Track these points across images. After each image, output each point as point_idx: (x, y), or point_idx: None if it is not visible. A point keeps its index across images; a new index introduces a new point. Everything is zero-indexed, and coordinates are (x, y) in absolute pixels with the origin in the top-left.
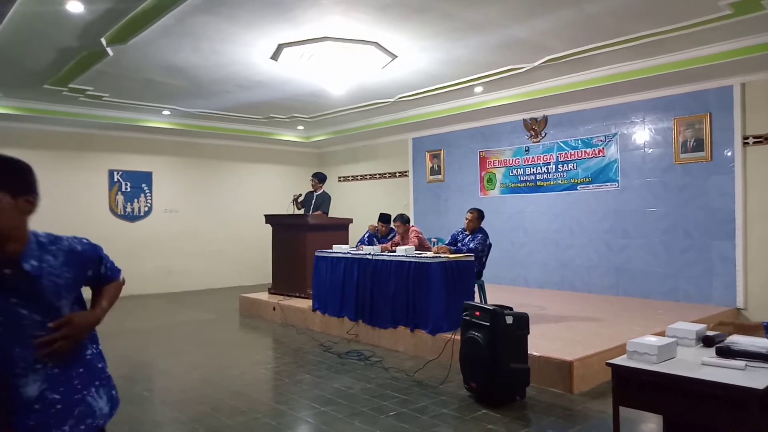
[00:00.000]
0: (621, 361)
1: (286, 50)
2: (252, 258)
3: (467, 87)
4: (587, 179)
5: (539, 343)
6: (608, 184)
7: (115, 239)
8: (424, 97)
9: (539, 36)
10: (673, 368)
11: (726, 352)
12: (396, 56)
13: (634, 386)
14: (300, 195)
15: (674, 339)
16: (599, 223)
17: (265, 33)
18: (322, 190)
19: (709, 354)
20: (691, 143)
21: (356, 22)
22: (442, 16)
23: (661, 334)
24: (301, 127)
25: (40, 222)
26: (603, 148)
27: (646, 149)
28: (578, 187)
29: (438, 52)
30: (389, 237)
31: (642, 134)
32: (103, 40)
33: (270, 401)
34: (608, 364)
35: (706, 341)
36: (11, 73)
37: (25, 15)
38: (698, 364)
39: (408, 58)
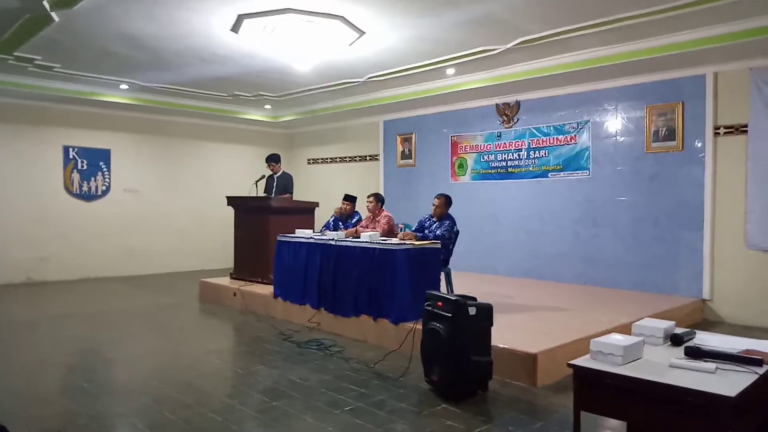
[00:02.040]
0: (584, 362)
1: (246, 22)
2: (216, 241)
3: (439, 69)
4: (558, 167)
5: (504, 335)
6: (579, 172)
7: (70, 219)
8: (395, 78)
9: (513, 15)
10: (640, 371)
11: (695, 353)
12: (364, 32)
13: (597, 389)
14: (262, 177)
15: (641, 338)
16: (570, 211)
17: (224, 1)
18: (281, 171)
19: (678, 354)
20: (663, 132)
21: None
22: None
23: (628, 328)
24: (268, 107)
25: None
26: (575, 136)
27: (617, 137)
28: (549, 175)
29: (407, 30)
30: (354, 220)
31: (614, 122)
32: (45, 3)
33: (219, 394)
34: (570, 365)
35: (675, 340)
36: None
37: None
38: (666, 366)
39: (376, 35)
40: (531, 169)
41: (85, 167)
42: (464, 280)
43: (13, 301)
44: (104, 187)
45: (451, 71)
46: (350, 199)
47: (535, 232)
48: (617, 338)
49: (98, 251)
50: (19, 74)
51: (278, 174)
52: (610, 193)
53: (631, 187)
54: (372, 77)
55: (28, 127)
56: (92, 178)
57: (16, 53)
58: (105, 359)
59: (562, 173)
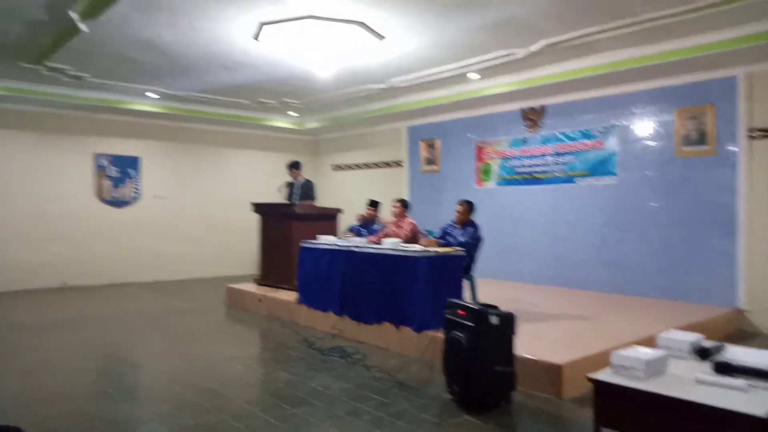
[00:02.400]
0: (604, 375)
1: (267, 29)
2: (243, 247)
3: (462, 73)
4: (585, 172)
5: (529, 344)
6: (606, 177)
7: (101, 225)
8: (418, 84)
9: (535, 18)
10: (663, 386)
11: (724, 368)
12: (383, 37)
13: (618, 405)
14: (287, 184)
15: (665, 352)
16: (596, 217)
17: (244, 9)
18: (302, 178)
19: (705, 369)
20: (694, 136)
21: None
22: None
23: (652, 340)
24: (293, 114)
25: (23, 205)
26: (602, 140)
27: (646, 141)
28: (576, 180)
29: (427, 33)
30: (374, 226)
31: (642, 126)
32: (73, 14)
33: (240, 401)
34: (590, 379)
35: (702, 353)
36: None
37: None
38: (692, 382)
39: (397, 40)
40: (557, 174)
41: (115, 174)
42: (489, 287)
43: (47, 305)
44: (133, 194)
45: (474, 76)
46: (374, 204)
47: (561, 238)
48: (639, 351)
49: (127, 257)
50: (51, 84)
51: (300, 181)
52: (638, 198)
53: (660, 192)
54: (395, 83)
55: (60, 136)
56: (122, 185)
57: (47, 63)
58: (130, 364)
59: (588, 178)
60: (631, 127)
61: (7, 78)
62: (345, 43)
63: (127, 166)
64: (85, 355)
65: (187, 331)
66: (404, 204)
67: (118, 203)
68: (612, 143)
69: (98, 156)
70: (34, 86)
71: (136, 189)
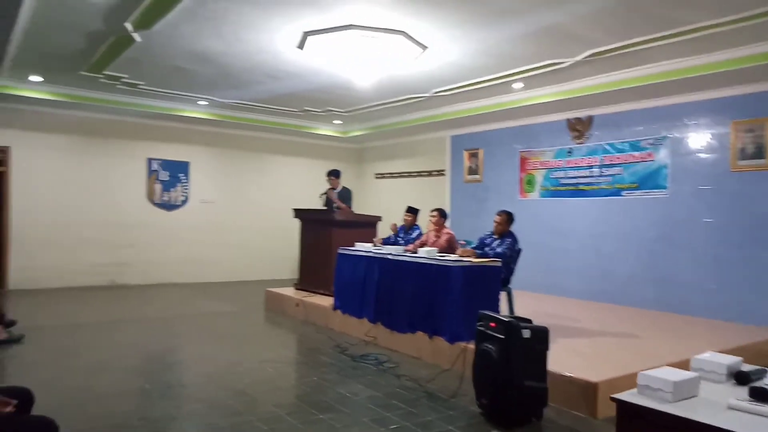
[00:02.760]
0: (629, 396)
1: (311, 38)
2: (285, 252)
3: (506, 83)
4: (633, 185)
5: (565, 360)
6: (656, 190)
7: (151, 227)
8: (461, 93)
9: (580, 26)
10: (691, 410)
11: (761, 395)
12: (426, 47)
13: (642, 427)
14: (329, 190)
15: (697, 374)
16: (645, 231)
17: (288, 19)
18: (341, 187)
19: (741, 395)
20: (750, 149)
21: (382, 9)
22: (472, 1)
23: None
24: (338, 122)
25: (78, 207)
26: (651, 152)
27: (699, 154)
28: (623, 193)
29: (470, 43)
30: (414, 234)
31: (695, 138)
32: (128, 25)
33: (268, 403)
34: (613, 399)
35: (740, 378)
36: (46, 57)
37: None
38: (723, 408)
39: (439, 50)
40: (604, 186)
41: (166, 178)
42: (529, 301)
43: (96, 303)
44: (183, 198)
45: (518, 85)
46: (412, 211)
47: (607, 252)
48: (668, 372)
49: (174, 258)
50: (108, 91)
51: (338, 189)
52: (689, 213)
53: (713, 208)
54: (438, 92)
55: (115, 140)
56: (172, 189)
57: (105, 72)
58: (168, 363)
59: (637, 191)
60: (683, 139)
61: (68, 85)
62: (387, 53)
63: (177, 171)
64: (133, 355)
65: (225, 332)
66: (442, 214)
67: (168, 206)
68: (663, 155)
69: (151, 160)
70: (93, 93)
71: (185, 193)
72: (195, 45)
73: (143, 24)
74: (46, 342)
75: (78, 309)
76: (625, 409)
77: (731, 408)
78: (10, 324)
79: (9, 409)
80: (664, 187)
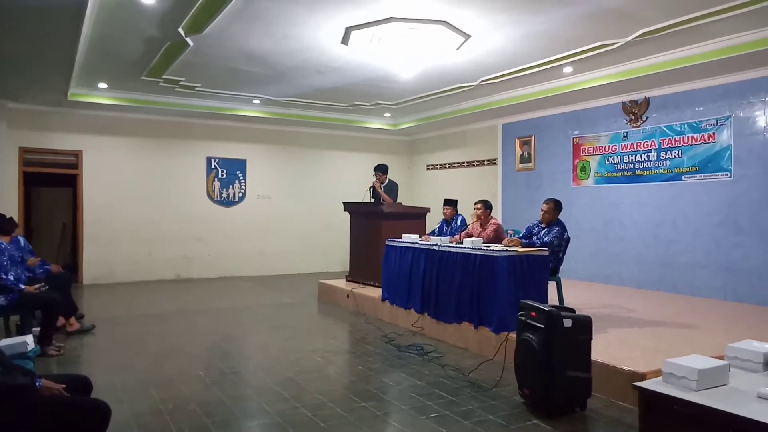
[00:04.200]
0: (652, 384)
1: (354, 33)
2: (338, 244)
3: (555, 67)
4: (694, 168)
5: (613, 350)
6: (719, 173)
7: (211, 223)
8: (510, 80)
9: (628, 4)
10: (715, 399)
11: None
12: (469, 36)
13: (665, 416)
14: (372, 186)
15: (727, 362)
16: (707, 217)
17: (330, 15)
18: (387, 180)
19: None
20: None
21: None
22: None
23: None
24: (387, 115)
25: (144, 205)
26: (713, 133)
27: (766, 134)
28: (683, 177)
29: (514, 28)
30: (458, 222)
31: (762, 117)
32: (181, 30)
33: (313, 391)
34: (635, 387)
35: None
36: (110, 64)
37: (106, 6)
38: (752, 397)
39: (483, 37)
40: (662, 171)
41: (224, 176)
42: (583, 290)
43: (161, 295)
44: (240, 194)
45: (568, 69)
46: (450, 203)
47: (667, 239)
48: (695, 360)
49: (233, 252)
50: (167, 94)
51: (384, 183)
52: (757, 196)
53: None
54: (485, 80)
55: (176, 141)
56: (230, 186)
57: (164, 76)
58: (223, 351)
59: (698, 175)
60: (748, 118)
61: (131, 90)
62: (429, 44)
63: (235, 169)
64: (194, 344)
65: (279, 323)
66: (486, 205)
67: (226, 203)
68: (725, 136)
69: (210, 159)
70: (154, 97)
71: (242, 189)
72: (244, 45)
73: (195, 28)
74: (115, 332)
75: (146, 301)
76: (647, 397)
77: (761, 397)
78: (80, 317)
79: (55, 391)
80: (728, 170)
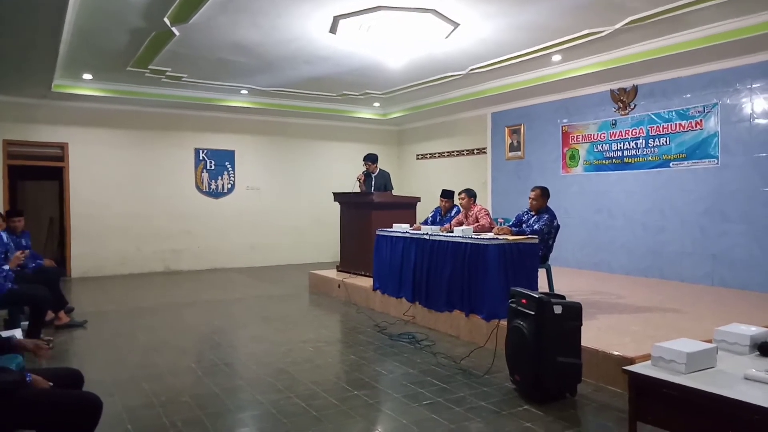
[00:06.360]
0: (641, 368)
1: (342, 22)
2: (329, 235)
3: (543, 56)
4: (681, 155)
5: (603, 336)
6: (706, 160)
7: (200, 215)
8: (499, 69)
9: None
10: (703, 381)
11: None
12: (458, 24)
13: (654, 400)
14: (362, 177)
15: (714, 345)
16: (695, 204)
17: (318, 5)
18: (378, 170)
19: (763, 366)
20: None
21: None
22: None
23: None
24: (376, 104)
25: (132, 197)
26: (701, 120)
27: (754, 120)
28: (671, 164)
29: (503, 18)
30: (452, 214)
31: (748, 104)
32: (166, 20)
33: (307, 381)
34: (625, 371)
35: (764, 349)
36: (95, 55)
37: None
38: (739, 379)
39: (471, 26)
40: (650, 158)
41: (212, 167)
42: (572, 278)
43: (150, 288)
44: (229, 186)
45: (557, 57)
46: (447, 194)
47: (655, 227)
48: (683, 344)
49: (223, 244)
50: (154, 85)
51: (375, 173)
52: (743, 183)
53: None
54: (474, 69)
55: (163, 132)
56: (219, 177)
57: (150, 67)
58: (214, 343)
59: (685, 162)
60: (735, 105)
61: (117, 82)
62: (417, 32)
63: (223, 160)
64: (185, 336)
65: (270, 314)
66: (469, 193)
67: (215, 194)
68: (712, 123)
69: (198, 150)
70: (140, 88)
71: (231, 181)
72: (231, 35)
73: (180, 18)
74: (105, 325)
75: (135, 294)
76: (637, 381)
77: (747, 378)
78: (70, 310)
79: (45, 387)
80: (715, 157)
